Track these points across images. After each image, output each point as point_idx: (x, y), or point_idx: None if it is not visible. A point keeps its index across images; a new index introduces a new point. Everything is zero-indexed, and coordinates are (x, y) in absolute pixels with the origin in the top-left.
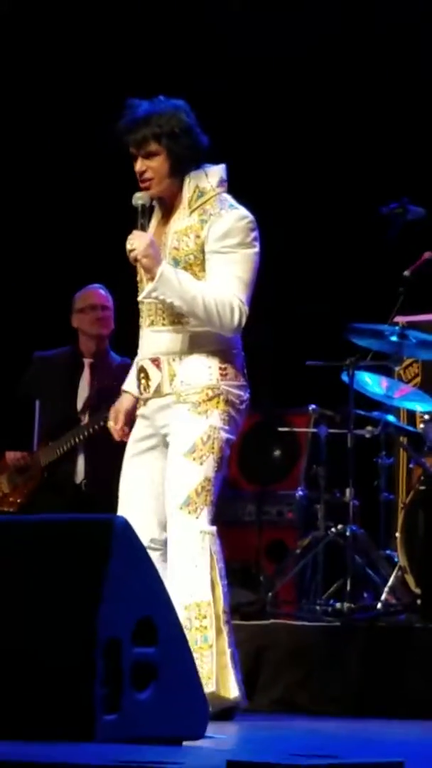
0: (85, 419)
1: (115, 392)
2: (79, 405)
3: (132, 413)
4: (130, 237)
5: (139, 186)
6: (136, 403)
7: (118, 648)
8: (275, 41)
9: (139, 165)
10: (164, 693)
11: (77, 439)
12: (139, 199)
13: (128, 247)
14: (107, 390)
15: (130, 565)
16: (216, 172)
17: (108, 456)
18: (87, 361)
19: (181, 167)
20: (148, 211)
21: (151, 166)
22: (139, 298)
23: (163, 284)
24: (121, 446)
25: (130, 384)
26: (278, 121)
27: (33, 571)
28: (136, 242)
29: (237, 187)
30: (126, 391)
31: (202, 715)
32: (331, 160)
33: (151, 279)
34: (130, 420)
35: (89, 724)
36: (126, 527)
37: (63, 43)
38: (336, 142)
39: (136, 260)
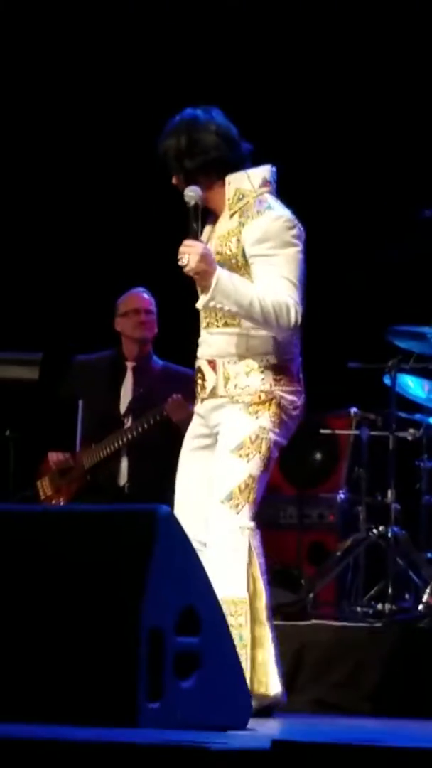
0: (128, 422)
1: (158, 396)
2: (122, 408)
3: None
4: (182, 247)
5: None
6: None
7: (162, 637)
8: (318, 47)
9: (175, 179)
10: (207, 682)
11: (120, 442)
12: (191, 198)
13: (181, 261)
14: (150, 394)
15: (174, 555)
16: (259, 174)
17: (151, 459)
18: (129, 365)
19: (204, 177)
20: (200, 212)
21: (180, 180)
22: (198, 306)
23: (220, 293)
24: (164, 449)
25: None
26: (325, 122)
27: (78, 561)
28: (189, 255)
29: (281, 189)
30: None
31: (245, 705)
32: (376, 161)
33: (205, 290)
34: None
35: (132, 711)
36: (169, 517)
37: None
38: (382, 143)
39: (188, 274)
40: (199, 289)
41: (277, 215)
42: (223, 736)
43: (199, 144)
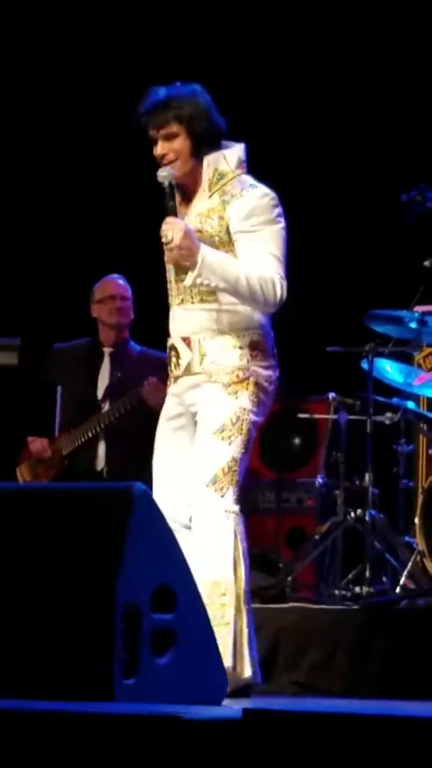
0: (106, 407)
1: (135, 380)
2: (100, 393)
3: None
4: (164, 225)
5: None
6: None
7: (137, 614)
8: (296, 19)
9: (160, 148)
10: (183, 659)
11: (98, 428)
12: (165, 177)
13: (164, 238)
14: (127, 379)
15: (150, 532)
16: (234, 154)
17: (128, 443)
18: (107, 351)
19: (200, 148)
20: (175, 191)
21: (172, 148)
22: (186, 283)
23: (206, 268)
24: (141, 433)
25: None
26: (298, 104)
27: (55, 538)
28: (172, 233)
29: (255, 170)
30: None
31: (220, 682)
32: (352, 145)
33: (192, 267)
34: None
35: (108, 687)
36: (145, 495)
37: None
38: (357, 128)
39: (172, 250)
40: (170, 271)
41: (264, 193)
42: (197, 708)
43: (211, 113)
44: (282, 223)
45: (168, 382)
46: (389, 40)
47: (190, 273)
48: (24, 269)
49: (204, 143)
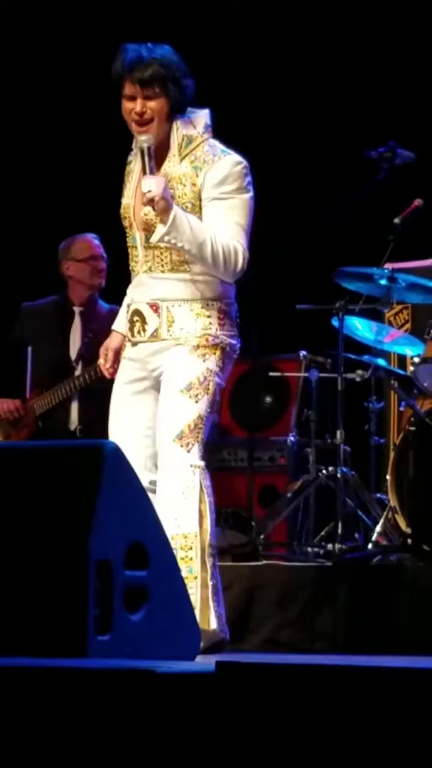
0: (79, 368)
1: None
2: (72, 354)
3: (120, 352)
4: (144, 180)
5: (134, 128)
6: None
7: (110, 570)
8: None
9: (140, 105)
10: (156, 615)
11: (72, 388)
12: (144, 141)
13: (144, 189)
14: (100, 338)
15: (121, 489)
16: (201, 118)
17: (102, 402)
18: (77, 310)
19: (175, 112)
20: (153, 154)
21: (151, 108)
22: (152, 240)
23: (176, 228)
24: None
25: (119, 324)
26: (262, 61)
27: (26, 496)
28: (153, 185)
29: (222, 129)
30: (116, 331)
31: (193, 638)
32: (319, 102)
33: (163, 223)
34: (119, 358)
35: (82, 643)
36: (116, 452)
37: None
38: (323, 83)
39: (151, 201)
40: (135, 238)
41: (237, 161)
42: (171, 662)
43: (186, 76)
44: (251, 193)
45: (122, 346)
46: None
47: (159, 228)
48: None
49: (179, 107)
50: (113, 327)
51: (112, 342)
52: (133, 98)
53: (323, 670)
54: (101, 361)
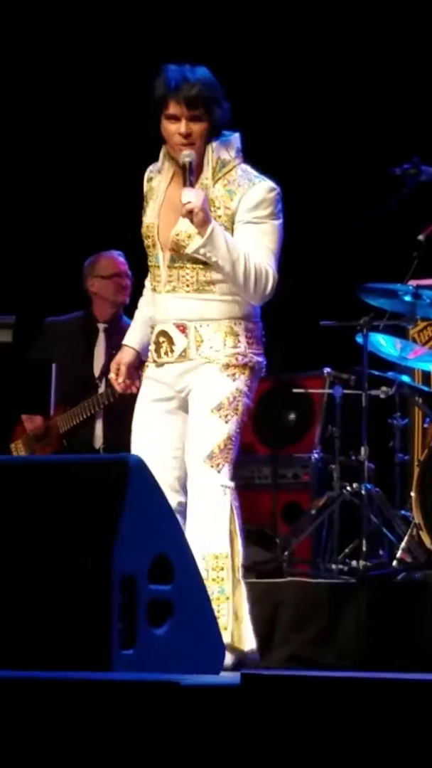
0: (103, 385)
1: None
2: (96, 371)
3: (133, 367)
4: (184, 192)
5: (175, 145)
6: (137, 357)
7: (134, 584)
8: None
9: (185, 127)
10: (180, 629)
11: (95, 405)
12: (186, 156)
13: (184, 200)
14: None
15: (146, 503)
16: (233, 142)
17: (126, 421)
18: (102, 326)
19: (212, 134)
20: (194, 170)
21: (194, 130)
22: (188, 251)
23: (212, 242)
24: None
25: (131, 339)
26: (288, 80)
27: (51, 510)
28: (192, 196)
29: (250, 149)
30: (127, 345)
31: (218, 653)
32: (345, 120)
33: (200, 235)
34: (132, 373)
35: (106, 657)
36: (141, 466)
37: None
38: (348, 100)
39: (190, 213)
40: (158, 257)
41: (271, 187)
42: (196, 676)
43: (225, 98)
44: (282, 219)
45: (146, 366)
46: (380, 11)
47: (194, 241)
48: (17, 246)
49: (217, 129)
50: (124, 342)
51: (123, 356)
52: (176, 118)
53: (349, 683)
54: (112, 375)
